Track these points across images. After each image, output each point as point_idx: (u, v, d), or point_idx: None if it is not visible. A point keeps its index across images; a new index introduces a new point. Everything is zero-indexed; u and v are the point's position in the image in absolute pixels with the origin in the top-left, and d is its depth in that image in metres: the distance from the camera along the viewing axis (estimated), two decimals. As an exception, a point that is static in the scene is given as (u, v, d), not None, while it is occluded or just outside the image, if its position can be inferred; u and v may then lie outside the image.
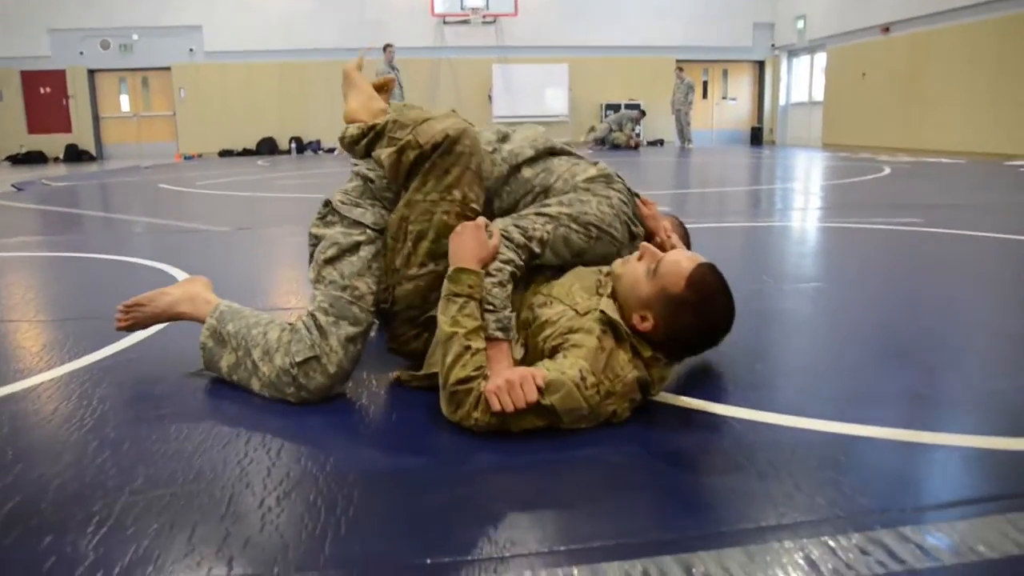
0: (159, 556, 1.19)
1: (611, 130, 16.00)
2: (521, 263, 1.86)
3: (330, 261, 1.93)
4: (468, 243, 1.77)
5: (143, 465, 1.52)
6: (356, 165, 2.08)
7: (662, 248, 2.05)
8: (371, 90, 2.22)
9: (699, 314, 1.65)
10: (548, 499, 1.37)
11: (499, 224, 1.87)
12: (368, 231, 1.96)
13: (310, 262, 2.00)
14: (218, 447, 1.60)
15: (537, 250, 1.87)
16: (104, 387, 1.98)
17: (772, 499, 1.33)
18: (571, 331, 1.68)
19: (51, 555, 1.20)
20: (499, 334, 1.69)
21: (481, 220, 1.82)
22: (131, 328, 2.12)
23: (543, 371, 1.58)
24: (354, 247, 1.93)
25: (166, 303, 2.09)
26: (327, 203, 2.01)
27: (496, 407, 1.54)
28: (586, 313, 1.72)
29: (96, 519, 1.31)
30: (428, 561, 1.17)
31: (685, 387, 1.90)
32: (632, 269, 1.73)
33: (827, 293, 3.01)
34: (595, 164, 2.09)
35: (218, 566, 1.17)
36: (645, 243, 1.78)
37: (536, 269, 1.93)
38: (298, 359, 1.82)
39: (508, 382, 1.54)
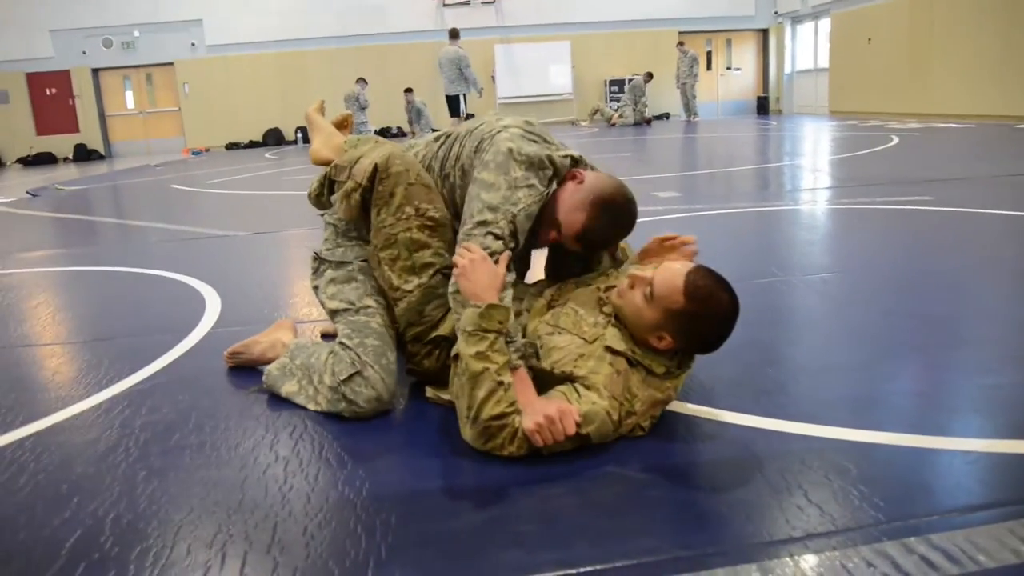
0: (215, 589, 1.29)
1: (635, 106, 15.99)
2: (514, 275, 1.98)
3: (334, 296, 2.10)
4: (482, 279, 1.76)
5: (190, 495, 1.61)
6: (323, 215, 2.25)
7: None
8: (331, 128, 2.53)
9: (708, 318, 1.72)
10: (572, 518, 1.45)
11: (471, 241, 1.85)
12: (356, 262, 2.12)
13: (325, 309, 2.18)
14: (258, 473, 1.70)
15: (513, 245, 1.91)
16: (144, 413, 2.08)
17: (784, 512, 1.41)
18: (581, 357, 1.76)
19: (116, 592, 1.29)
20: (520, 363, 1.75)
21: (478, 250, 1.81)
22: (238, 367, 2.39)
23: (576, 405, 1.65)
24: (349, 277, 2.11)
25: (259, 351, 2.35)
26: (315, 256, 2.20)
27: (539, 444, 1.61)
28: (594, 341, 1.79)
29: (153, 552, 1.40)
30: (465, 586, 1.26)
31: (701, 396, 1.98)
32: (630, 300, 1.78)
33: (836, 285, 3.07)
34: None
35: (271, 597, 1.26)
36: (632, 272, 1.81)
37: (534, 296, 2.00)
38: (342, 377, 1.94)
39: (548, 418, 1.60)
